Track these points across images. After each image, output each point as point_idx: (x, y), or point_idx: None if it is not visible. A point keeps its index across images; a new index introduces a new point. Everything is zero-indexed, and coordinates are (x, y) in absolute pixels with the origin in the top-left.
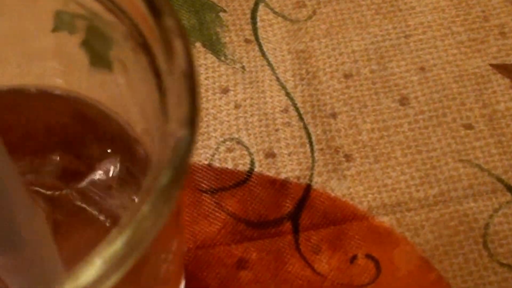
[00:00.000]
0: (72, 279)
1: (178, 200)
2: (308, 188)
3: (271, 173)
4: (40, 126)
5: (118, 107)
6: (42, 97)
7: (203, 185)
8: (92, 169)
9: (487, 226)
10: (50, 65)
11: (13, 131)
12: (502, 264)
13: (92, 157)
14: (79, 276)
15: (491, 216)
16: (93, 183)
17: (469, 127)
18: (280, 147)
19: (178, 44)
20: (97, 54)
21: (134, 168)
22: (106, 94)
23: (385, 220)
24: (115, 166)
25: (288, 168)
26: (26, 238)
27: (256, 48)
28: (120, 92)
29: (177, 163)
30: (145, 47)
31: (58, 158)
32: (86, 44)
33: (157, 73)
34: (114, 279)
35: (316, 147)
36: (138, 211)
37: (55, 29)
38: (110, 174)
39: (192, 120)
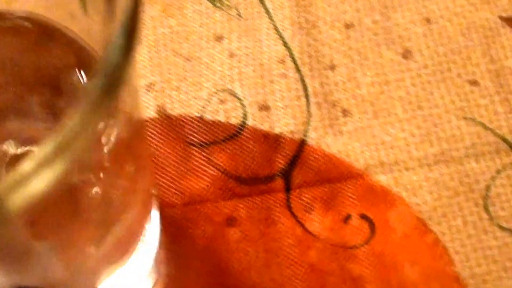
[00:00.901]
0: (7, 177)
1: (129, 121)
2: (302, 143)
3: (265, 127)
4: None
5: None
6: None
7: (193, 138)
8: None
9: (488, 188)
10: None
11: None
12: (502, 228)
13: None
14: (12, 175)
15: (493, 178)
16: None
17: (474, 83)
18: (275, 100)
19: None
20: None
21: None
22: (78, 27)
23: (382, 179)
24: None
25: (283, 122)
26: None
27: None
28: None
29: (107, 70)
30: None
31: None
32: None
33: None
34: (46, 179)
35: (312, 100)
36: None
37: None
38: None
39: (128, 21)
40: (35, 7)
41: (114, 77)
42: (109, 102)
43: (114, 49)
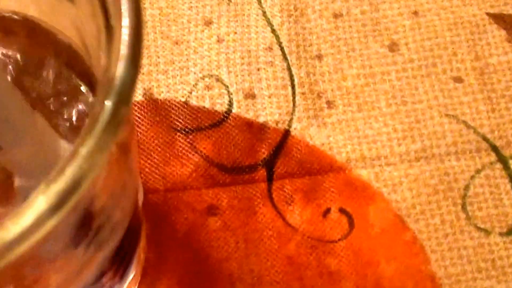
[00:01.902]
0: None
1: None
2: (286, 134)
3: (249, 115)
4: None
5: (75, 35)
6: None
7: (178, 123)
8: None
9: (467, 187)
10: None
11: None
12: (479, 228)
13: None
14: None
15: (472, 177)
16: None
17: (458, 80)
18: (261, 88)
19: None
20: None
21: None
22: (64, 22)
23: (363, 173)
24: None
25: (268, 111)
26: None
27: None
28: (81, 22)
29: (116, 91)
30: None
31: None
32: None
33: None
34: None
35: (298, 90)
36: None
37: None
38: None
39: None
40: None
41: (124, 98)
42: (119, 125)
43: (122, 74)
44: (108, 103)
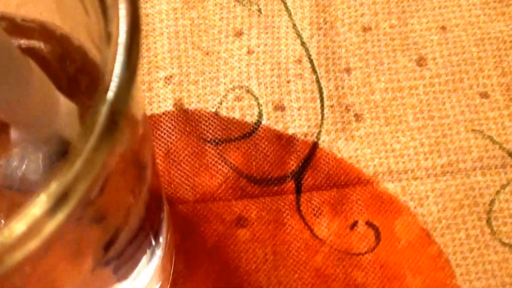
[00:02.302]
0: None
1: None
2: (314, 146)
3: (279, 127)
4: None
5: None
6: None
7: (208, 134)
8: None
9: (492, 202)
10: None
11: None
12: (503, 244)
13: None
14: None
15: (498, 192)
16: None
17: (485, 95)
18: (290, 100)
19: None
20: None
21: None
22: (81, 31)
23: (390, 187)
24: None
25: (297, 123)
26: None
27: None
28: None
29: (110, 102)
30: None
31: None
32: None
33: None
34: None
35: (326, 103)
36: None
37: None
38: None
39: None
40: (41, 12)
41: (118, 107)
42: (113, 133)
43: (117, 81)
44: (102, 111)
